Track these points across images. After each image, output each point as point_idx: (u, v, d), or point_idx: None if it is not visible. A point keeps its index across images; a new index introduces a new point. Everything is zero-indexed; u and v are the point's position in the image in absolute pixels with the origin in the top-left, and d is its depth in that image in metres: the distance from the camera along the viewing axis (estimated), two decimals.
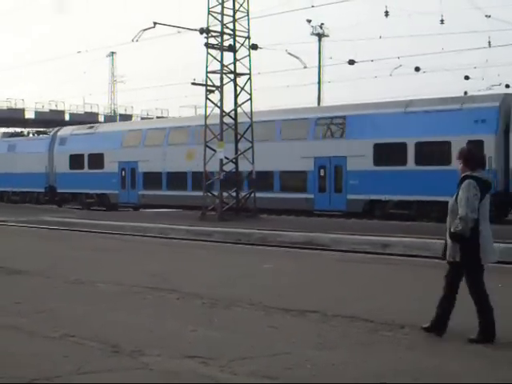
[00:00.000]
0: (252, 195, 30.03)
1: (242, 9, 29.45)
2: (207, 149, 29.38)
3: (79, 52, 46.50)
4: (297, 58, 50.84)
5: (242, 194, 30.44)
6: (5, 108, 76.54)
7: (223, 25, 29.17)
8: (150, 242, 19.96)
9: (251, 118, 29.98)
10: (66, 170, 42.64)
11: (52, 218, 29.03)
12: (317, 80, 60.50)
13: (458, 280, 7.53)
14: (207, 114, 29.91)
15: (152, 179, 37.69)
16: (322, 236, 20.31)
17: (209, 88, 29.73)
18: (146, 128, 40.45)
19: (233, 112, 30.00)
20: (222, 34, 29.19)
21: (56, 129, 46.20)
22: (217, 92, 29.54)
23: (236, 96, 30.00)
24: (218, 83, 29.44)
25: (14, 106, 77.12)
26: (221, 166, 28.91)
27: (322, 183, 31.26)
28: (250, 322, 8.33)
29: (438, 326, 7.54)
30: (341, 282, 11.81)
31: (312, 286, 11.28)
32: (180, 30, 30.61)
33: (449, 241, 7.41)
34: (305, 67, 50.94)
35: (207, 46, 29.32)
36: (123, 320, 8.53)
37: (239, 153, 29.96)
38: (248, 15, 29.59)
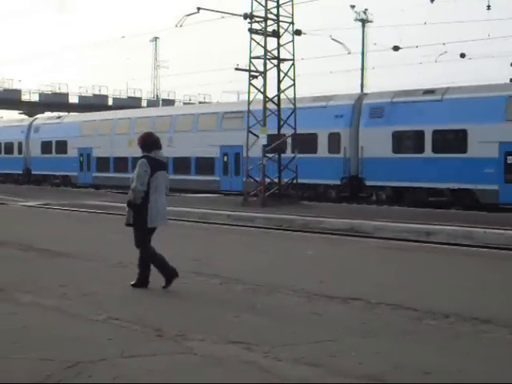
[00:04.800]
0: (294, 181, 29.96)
1: None
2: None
3: (123, 37, 46.84)
4: (341, 43, 50.55)
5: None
6: (49, 92, 77.48)
7: (267, 10, 29.00)
8: (191, 227, 20.01)
9: (294, 104, 29.86)
10: None
11: (92, 202, 29.28)
12: (360, 66, 60.20)
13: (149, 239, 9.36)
14: (250, 99, 29.86)
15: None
16: (365, 223, 20.17)
17: (252, 73, 29.62)
18: None
19: (276, 98, 29.89)
20: (265, 19, 29.05)
21: None
22: (260, 77, 29.45)
23: (279, 82, 29.87)
24: (261, 69, 29.33)
25: (58, 91, 78.03)
26: (263, 152, 28.82)
27: None
28: (292, 309, 8.30)
29: (144, 281, 9.29)
30: (383, 270, 11.70)
31: (354, 273, 11.21)
32: (224, 15, 30.59)
33: (126, 207, 9.26)
34: (349, 53, 50.65)
35: (251, 31, 29.21)
36: (166, 304, 8.57)
37: (282, 139, 29.87)
38: (292, 0, 29.41)
